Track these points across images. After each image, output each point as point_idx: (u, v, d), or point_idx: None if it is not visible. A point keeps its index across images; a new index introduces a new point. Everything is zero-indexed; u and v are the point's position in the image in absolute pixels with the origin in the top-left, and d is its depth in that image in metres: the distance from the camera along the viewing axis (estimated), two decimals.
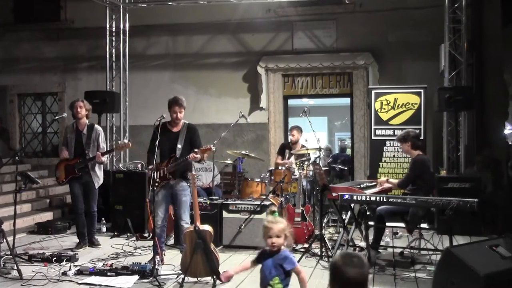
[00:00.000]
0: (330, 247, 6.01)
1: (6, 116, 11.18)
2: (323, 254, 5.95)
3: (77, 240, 6.77)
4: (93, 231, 6.86)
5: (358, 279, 2.24)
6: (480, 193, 7.19)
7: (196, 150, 5.73)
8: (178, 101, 5.88)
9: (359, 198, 5.47)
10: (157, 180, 5.61)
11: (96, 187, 6.70)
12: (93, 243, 6.78)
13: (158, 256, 5.39)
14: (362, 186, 6.18)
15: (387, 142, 8.16)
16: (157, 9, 9.84)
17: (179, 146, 5.85)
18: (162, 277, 5.30)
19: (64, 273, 5.41)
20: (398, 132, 6.82)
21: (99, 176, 6.70)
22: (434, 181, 6.98)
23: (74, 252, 6.26)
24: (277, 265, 3.45)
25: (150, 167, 5.54)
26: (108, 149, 6.67)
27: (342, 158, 10.48)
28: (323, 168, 6.96)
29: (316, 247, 6.18)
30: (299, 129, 8.08)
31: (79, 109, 6.56)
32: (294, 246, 6.61)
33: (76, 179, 6.57)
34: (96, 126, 6.72)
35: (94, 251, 6.55)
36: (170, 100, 5.95)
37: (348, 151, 10.88)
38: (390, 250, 6.29)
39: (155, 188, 5.44)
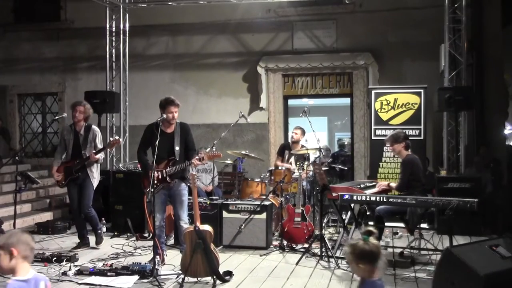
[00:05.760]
0: (330, 247, 6.00)
1: (6, 116, 11.17)
2: (323, 254, 5.95)
3: (78, 240, 6.75)
4: (96, 230, 6.73)
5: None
6: (480, 193, 7.19)
7: (200, 157, 5.70)
8: (174, 101, 5.82)
9: (359, 198, 5.48)
10: (156, 182, 5.58)
11: (94, 187, 6.61)
12: (96, 239, 6.71)
13: (158, 256, 5.39)
14: (362, 186, 6.18)
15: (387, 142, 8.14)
16: (157, 9, 9.84)
17: (176, 148, 5.80)
18: (162, 277, 5.30)
19: (64, 273, 5.41)
20: None
21: (95, 176, 6.61)
22: (429, 180, 6.98)
23: (74, 252, 6.25)
24: None
25: (150, 172, 5.49)
26: (101, 147, 6.59)
27: (342, 158, 10.48)
28: (323, 169, 6.96)
29: (316, 247, 6.17)
30: (303, 130, 8.07)
31: (76, 114, 6.49)
32: (294, 246, 6.61)
33: (73, 181, 6.53)
34: (93, 127, 6.65)
35: (94, 251, 6.53)
36: (163, 101, 5.82)
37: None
38: (390, 250, 6.28)
39: (154, 189, 5.40)
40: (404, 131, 6.50)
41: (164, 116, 5.74)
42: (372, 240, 2.85)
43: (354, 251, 2.84)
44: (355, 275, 3.04)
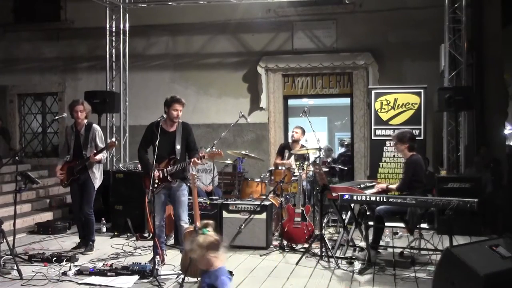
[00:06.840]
0: (330, 247, 6.00)
1: (6, 116, 11.18)
2: (323, 254, 5.95)
3: (78, 240, 6.75)
4: (89, 237, 6.55)
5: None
6: (480, 193, 7.19)
7: (200, 155, 5.68)
8: (180, 99, 5.78)
9: (359, 198, 5.47)
10: (157, 182, 5.58)
11: (95, 187, 6.52)
12: (86, 248, 6.48)
13: (158, 256, 5.39)
14: (362, 186, 6.18)
15: (387, 142, 8.13)
16: (157, 9, 9.84)
17: (177, 147, 5.79)
18: (162, 277, 5.30)
19: (64, 273, 5.41)
20: None
21: (97, 177, 6.51)
22: (429, 180, 6.97)
23: (73, 252, 6.25)
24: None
25: (150, 171, 5.46)
26: (103, 146, 6.53)
27: (342, 158, 10.47)
28: (324, 169, 6.96)
29: (316, 247, 6.18)
30: (303, 130, 8.08)
31: (79, 114, 6.42)
32: (294, 246, 6.61)
33: (75, 181, 6.48)
34: (94, 125, 6.57)
35: (94, 251, 6.53)
36: (169, 99, 5.79)
37: None
38: (390, 250, 6.29)
39: (154, 189, 5.40)
40: (412, 131, 6.47)
41: (164, 116, 5.73)
42: (210, 231, 3.18)
43: (202, 245, 3.12)
44: (204, 266, 3.17)
